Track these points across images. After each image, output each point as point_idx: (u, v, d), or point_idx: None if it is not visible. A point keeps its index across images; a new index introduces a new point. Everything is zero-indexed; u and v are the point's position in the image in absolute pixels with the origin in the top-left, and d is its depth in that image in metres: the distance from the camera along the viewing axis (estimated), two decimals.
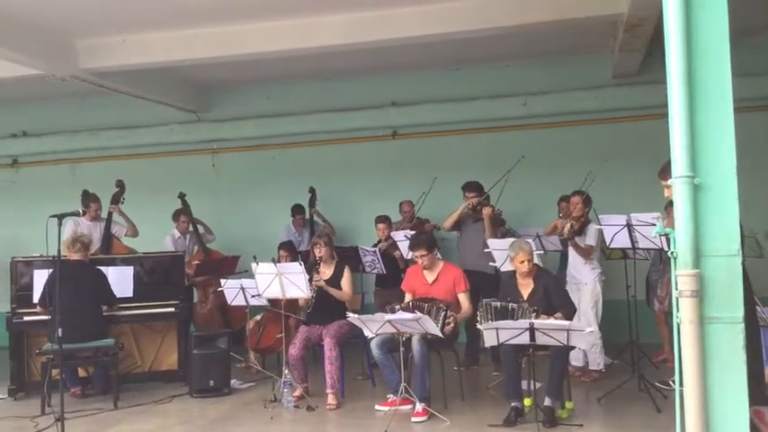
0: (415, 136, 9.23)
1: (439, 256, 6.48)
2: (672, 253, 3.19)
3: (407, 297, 6.04)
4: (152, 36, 7.18)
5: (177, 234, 8.28)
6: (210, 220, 8.66)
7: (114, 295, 6.68)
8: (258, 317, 7.33)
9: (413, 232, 7.00)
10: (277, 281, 6.00)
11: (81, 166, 10.15)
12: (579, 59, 8.52)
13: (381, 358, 5.71)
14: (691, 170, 3.13)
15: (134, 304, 6.90)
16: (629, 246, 5.82)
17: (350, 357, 6.67)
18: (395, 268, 7.45)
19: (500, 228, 7.34)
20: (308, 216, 8.83)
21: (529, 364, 5.18)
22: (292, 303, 6.47)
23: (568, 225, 6.39)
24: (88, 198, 7.81)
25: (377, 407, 5.80)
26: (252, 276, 6.27)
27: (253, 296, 6.53)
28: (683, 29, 3.16)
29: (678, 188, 3.14)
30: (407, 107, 9.10)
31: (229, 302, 6.84)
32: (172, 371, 7.12)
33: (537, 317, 5.12)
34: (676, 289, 3.15)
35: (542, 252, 6.59)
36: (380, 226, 7.77)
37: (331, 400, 5.93)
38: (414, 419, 5.40)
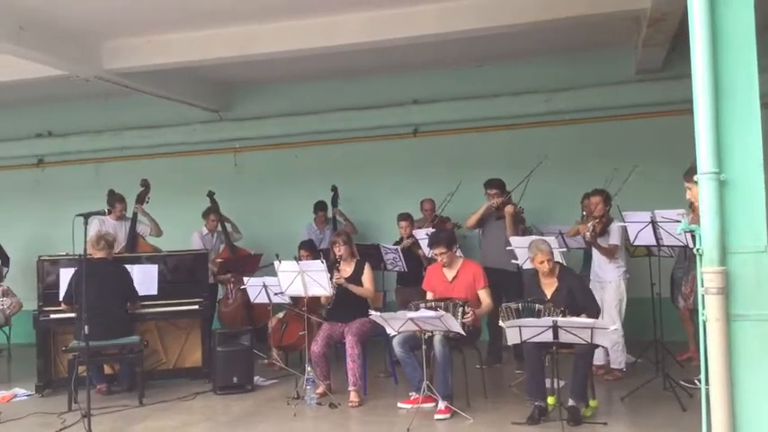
0: (437, 134, 9.21)
1: (459, 253, 6.47)
2: (697, 250, 3.16)
3: (428, 296, 6.03)
4: (174, 36, 7.25)
5: (205, 231, 8.38)
6: (233, 218, 8.72)
7: (136, 292, 6.74)
8: (281, 314, 7.37)
9: (433, 230, 6.99)
10: (299, 279, 6.03)
11: (105, 165, 10.26)
12: (602, 55, 8.44)
13: (403, 356, 5.71)
14: (716, 166, 3.10)
15: (159, 302, 6.98)
16: (654, 243, 5.75)
17: (372, 355, 6.68)
18: (417, 266, 7.45)
19: (520, 226, 7.31)
20: (330, 215, 8.86)
21: (552, 363, 5.12)
22: (314, 302, 6.49)
23: (590, 227, 6.33)
24: (114, 198, 7.91)
25: (399, 404, 5.81)
26: (274, 274, 6.31)
27: (275, 294, 6.57)
28: (708, 23, 3.12)
29: (704, 184, 3.11)
30: (429, 105, 9.08)
31: (252, 300, 6.89)
32: (196, 368, 7.19)
33: (564, 317, 5.07)
34: (702, 286, 3.12)
35: (565, 250, 6.54)
36: (403, 224, 7.78)
37: (353, 397, 5.94)
38: (436, 417, 5.40)
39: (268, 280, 6.56)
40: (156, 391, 6.62)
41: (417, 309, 5.57)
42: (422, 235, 7.25)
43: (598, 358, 6.39)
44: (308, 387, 5.95)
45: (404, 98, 9.19)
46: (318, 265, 6.01)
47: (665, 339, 6.29)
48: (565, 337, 4.81)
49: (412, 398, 5.72)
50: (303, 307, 6.33)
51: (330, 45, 7.06)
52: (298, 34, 7.01)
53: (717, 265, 3.08)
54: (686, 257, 6.81)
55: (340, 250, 6.37)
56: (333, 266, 6.32)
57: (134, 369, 6.59)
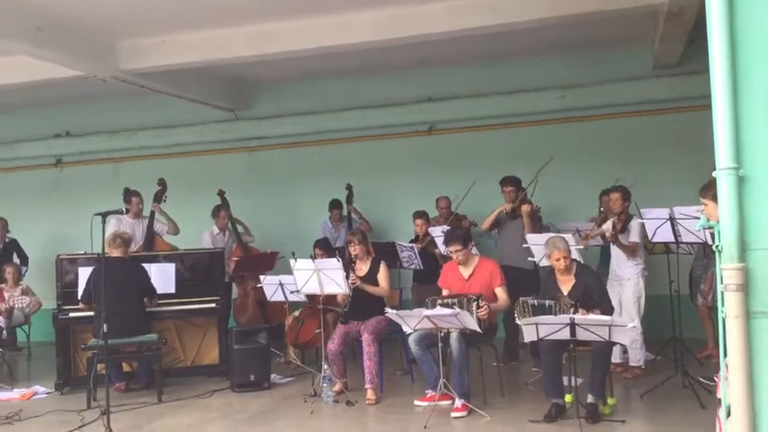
0: (452, 131, 9.19)
1: (476, 251, 6.45)
2: (717, 247, 3.13)
3: (444, 293, 6.01)
4: (190, 36, 7.28)
5: (216, 230, 8.41)
6: (248, 216, 8.75)
7: (154, 288, 6.77)
8: (297, 312, 7.39)
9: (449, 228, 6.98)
10: (315, 277, 6.05)
11: (122, 165, 10.33)
12: (618, 51, 8.37)
13: (420, 354, 5.70)
14: (735, 161, 3.05)
15: (176, 300, 7.02)
16: (672, 240, 5.70)
17: (389, 353, 6.69)
18: (434, 264, 7.43)
19: (537, 225, 7.27)
20: (345, 213, 8.87)
21: (569, 360, 5.09)
22: (330, 298, 6.50)
23: (610, 225, 6.29)
24: (129, 193, 7.98)
25: (416, 402, 5.81)
26: (290, 272, 6.32)
27: (291, 292, 6.58)
28: (726, 16, 3.08)
29: (723, 180, 3.07)
30: (444, 102, 9.05)
31: (269, 298, 6.91)
32: (213, 365, 7.23)
33: (575, 311, 5.06)
34: (721, 283, 3.08)
35: (582, 247, 6.50)
36: (418, 221, 7.76)
37: (370, 395, 5.94)
38: (453, 415, 5.40)
39: (284, 278, 6.59)
40: (174, 388, 6.67)
41: (434, 304, 5.55)
42: (437, 232, 7.24)
43: (615, 356, 6.35)
44: (325, 385, 5.96)
45: (419, 96, 9.18)
46: (334, 263, 6.02)
47: (683, 337, 6.24)
48: (583, 335, 4.78)
49: (428, 395, 5.72)
50: (319, 305, 6.34)
51: (344, 43, 7.06)
52: (311, 33, 7.02)
53: (736, 261, 3.04)
54: (705, 254, 6.76)
55: (355, 250, 6.37)
56: (348, 265, 6.32)
57: (152, 367, 6.64)
